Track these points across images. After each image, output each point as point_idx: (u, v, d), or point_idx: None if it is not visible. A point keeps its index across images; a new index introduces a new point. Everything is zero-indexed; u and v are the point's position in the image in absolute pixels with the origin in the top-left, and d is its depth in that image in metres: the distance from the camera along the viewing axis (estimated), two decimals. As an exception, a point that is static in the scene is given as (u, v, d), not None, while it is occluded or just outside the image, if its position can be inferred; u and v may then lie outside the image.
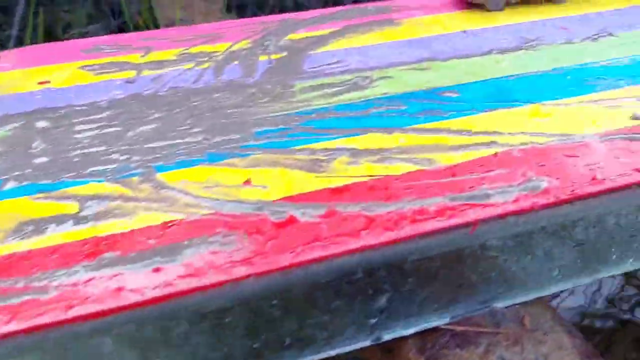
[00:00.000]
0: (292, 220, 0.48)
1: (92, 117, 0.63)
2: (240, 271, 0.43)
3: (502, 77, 0.71)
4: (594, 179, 0.52)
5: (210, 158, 0.56)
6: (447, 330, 0.53)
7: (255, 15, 1.77)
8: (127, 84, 0.70)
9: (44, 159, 0.56)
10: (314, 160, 0.55)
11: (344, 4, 1.79)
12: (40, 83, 0.71)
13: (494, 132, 0.60)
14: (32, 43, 1.41)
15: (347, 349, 0.50)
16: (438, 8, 0.91)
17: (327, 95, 0.67)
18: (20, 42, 1.45)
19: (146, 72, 0.73)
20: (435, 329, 0.52)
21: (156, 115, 0.63)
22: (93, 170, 0.54)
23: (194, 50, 0.78)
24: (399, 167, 0.54)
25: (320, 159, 0.55)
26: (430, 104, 0.65)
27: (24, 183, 0.53)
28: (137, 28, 1.53)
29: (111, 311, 0.41)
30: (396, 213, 0.48)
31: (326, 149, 0.57)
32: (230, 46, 0.79)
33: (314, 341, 0.48)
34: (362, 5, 0.93)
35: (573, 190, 0.51)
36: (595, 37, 0.81)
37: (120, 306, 0.41)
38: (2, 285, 0.42)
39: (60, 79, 0.72)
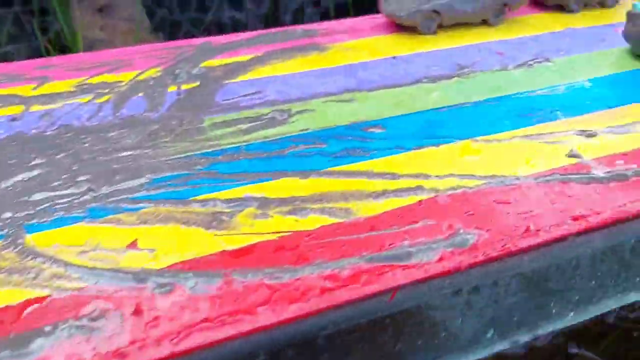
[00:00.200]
0: (179, 293, 0.40)
1: (-39, 163, 0.54)
2: (110, 364, 0.35)
3: (432, 110, 0.65)
4: (527, 230, 0.47)
5: (93, 214, 0.48)
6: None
7: (189, 34, 1.69)
8: (11, 122, 0.62)
9: None
10: (215, 214, 0.48)
11: (284, 24, 1.73)
12: None
13: (421, 175, 0.54)
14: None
15: None
16: (367, 31, 0.85)
17: (240, 133, 0.60)
18: None
19: (36, 107, 0.64)
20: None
21: (38, 161, 0.55)
22: (-51, 232, 0.46)
23: (94, 80, 0.70)
24: (312, 220, 0.48)
25: (222, 212, 0.48)
26: (352, 142, 0.59)
27: None
28: (62, 50, 1.43)
29: None
30: (304, 281, 0.42)
31: (231, 200, 0.50)
32: (137, 75, 0.72)
33: None
34: (288, 28, 0.86)
35: (504, 245, 0.45)
36: (531, 63, 0.77)
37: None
38: None
39: None
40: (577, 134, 0.61)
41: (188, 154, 0.56)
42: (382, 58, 0.78)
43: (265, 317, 0.39)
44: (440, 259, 0.44)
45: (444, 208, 0.49)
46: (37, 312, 0.39)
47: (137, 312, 0.39)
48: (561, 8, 0.92)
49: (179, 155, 0.56)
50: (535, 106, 0.66)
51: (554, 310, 0.51)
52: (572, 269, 0.49)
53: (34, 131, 0.60)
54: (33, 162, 0.55)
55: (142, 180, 0.52)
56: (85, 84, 0.69)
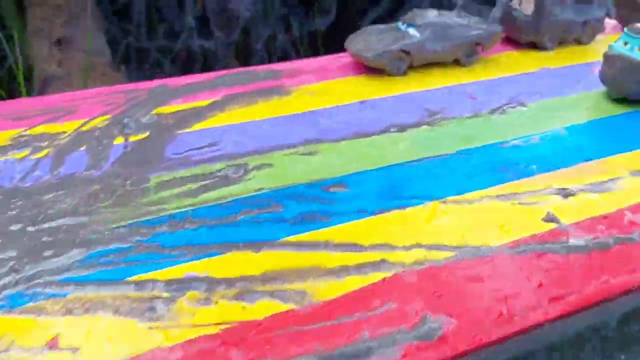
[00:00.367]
0: (100, 409, 0.35)
1: None
2: None
3: (398, 165, 0.61)
4: (500, 316, 0.42)
5: (12, 302, 0.42)
6: None
7: (157, 64, 1.63)
8: None
9: None
10: (152, 299, 0.43)
11: (255, 53, 1.69)
12: None
13: (385, 246, 0.49)
14: None
15: None
16: (334, 72, 0.81)
17: (189, 194, 0.55)
18: None
19: (-36, 165, 0.58)
20: None
21: (-43, 233, 0.49)
22: None
23: (34, 131, 0.64)
24: (261, 307, 0.42)
25: (160, 298, 0.43)
26: (312, 204, 0.54)
27: None
28: (10, 93, 1.35)
29: None
30: (247, 387, 0.36)
31: (171, 281, 0.44)
32: (82, 125, 0.66)
33: None
34: (251, 69, 0.82)
35: (475, 336, 0.40)
36: (505, 107, 0.73)
37: None
38: None
39: None
40: (554, 193, 0.57)
41: (129, 221, 0.51)
42: (348, 103, 0.73)
43: None
44: (404, 355, 0.39)
45: (409, 288, 0.45)
46: None
47: None
48: (535, 46, 0.89)
49: (118, 224, 0.51)
50: (509, 159, 0.62)
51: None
52: (550, 355, 0.44)
53: (-42, 194, 0.54)
54: (-48, 234, 0.49)
55: (74, 256, 0.47)
56: (24, 136, 0.63)
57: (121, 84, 0.77)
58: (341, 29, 1.87)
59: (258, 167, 0.60)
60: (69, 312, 0.41)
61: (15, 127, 0.65)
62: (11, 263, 0.46)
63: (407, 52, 0.79)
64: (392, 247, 0.49)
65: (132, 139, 0.64)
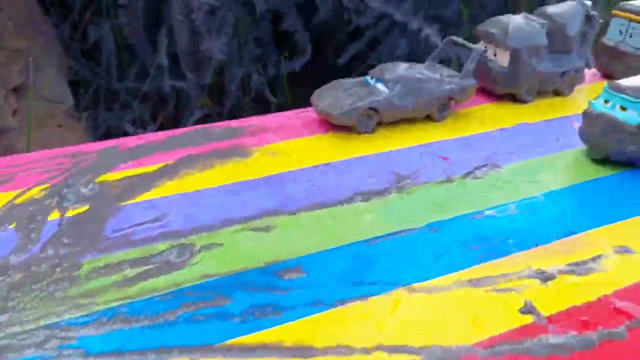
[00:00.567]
0: None
1: None
2: None
3: (363, 241, 0.55)
4: None
5: None
6: None
7: (127, 105, 1.58)
8: None
9: None
10: None
11: (229, 94, 1.64)
12: None
13: (342, 348, 0.43)
14: None
15: None
16: (299, 129, 0.76)
17: (124, 283, 0.49)
18: None
19: None
20: None
21: None
22: None
23: (-39, 205, 0.58)
24: None
25: None
26: (263, 296, 0.48)
27: None
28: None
29: None
30: None
31: (89, 403, 0.38)
32: (17, 196, 0.60)
33: None
34: (209, 126, 0.76)
35: None
36: (479, 170, 0.68)
37: None
38: None
39: None
40: (532, 276, 0.51)
41: (50, 321, 0.45)
42: (312, 166, 0.68)
43: None
44: None
45: (366, 406, 0.39)
46: None
47: None
48: (512, 98, 0.84)
49: (37, 325, 0.44)
50: (483, 234, 0.57)
51: None
52: None
53: None
54: None
55: (-20, 370, 0.40)
56: (-52, 212, 0.57)
57: (70, 146, 0.71)
58: (317, 68, 1.83)
59: (206, 247, 0.54)
60: None
61: (-60, 200, 0.59)
62: None
63: (375, 110, 0.74)
64: (350, 350, 0.43)
65: (69, 213, 0.58)
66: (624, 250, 0.55)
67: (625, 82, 0.68)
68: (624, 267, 0.53)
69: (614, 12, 0.91)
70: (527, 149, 0.72)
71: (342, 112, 0.73)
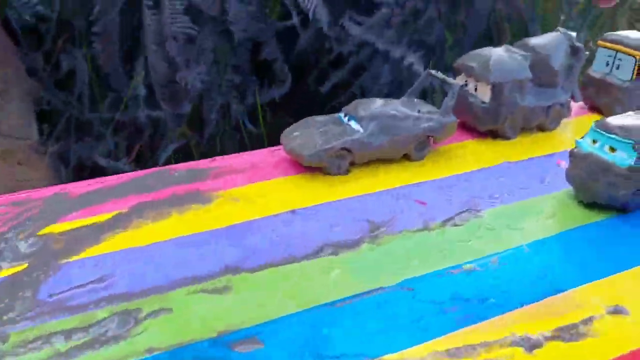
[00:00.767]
0: None
1: None
2: None
3: (328, 304, 0.50)
4: None
5: None
6: None
7: (100, 136, 1.53)
8: None
9: None
10: None
11: (209, 123, 1.59)
12: None
13: None
14: None
15: None
16: (268, 170, 0.71)
17: (56, 359, 0.43)
18: None
19: None
20: None
21: None
22: None
23: None
24: None
25: None
26: (211, 373, 0.43)
27: None
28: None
29: None
30: None
31: None
32: (-53, 253, 0.54)
33: None
34: (169, 168, 0.71)
35: None
36: (459, 216, 0.63)
37: None
38: None
39: None
40: (516, 343, 0.46)
41: (-38, 412, 0.39)
42: (279, 214, 0.63)
43: None
44: None
45: None
46: None
47: None
48: (495, 134, 0.80)
49: (-54, 417, 0.38)
50: (462, 292, 0.52)
51: None
52: None
53: None
54: None
55: None
56: None
57: (23, 191, 0.66)
58: (299, 96, 1.79)
59: (153, 313, 0.48)
60: None
61: None
62: None
63: (348, 150, 0.69)
64: None
65: (3, 273, 0.52)
66: (617, 310, 0.50)
67: (614, 120, 0.63)
68: (618, 332, 0.48)
69: (600, 42, 0.87)
70: (510, 192, 0.68)
71: (312, 154, 0.68)
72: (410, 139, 0.72)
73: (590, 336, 0.47)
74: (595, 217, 0.63)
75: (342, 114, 0.74)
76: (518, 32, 1.81)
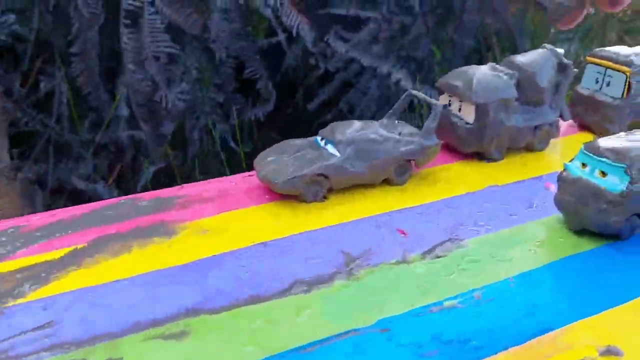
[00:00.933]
0: None
1: None
2: None
3: (297, 349, 0.46)
4: None
5: None
6: None
7: (80, 158, 1.48)
8: None
9: None
10: None
11: (190, 143, 1.55)
12: None
13: None
14: None
15: None
16: (238, 198, 0.67)
17: (-13, 422, 0.39)
18: None
19: None
20: None
21: None
22: None
23: None
24: None
25: None
26: None
27: None
28: None
29: None
30: None
31: None
32: None
33: None
34: (135, 197, 0.67)
35: None
36: (440, 247, 0.59)
37: None
38: None
39: None
40: (500, 394, 0.42)
41: None
42: (249, 246, 0.58)
43: None
44: None
45: None
46: None
47: None
48: (480, 156, 0.76)
49: None
50: (442, 334, 0.47)
51: None
52: None
53: None
54: None
55: None
56: None
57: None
58: (286, 113, 1.76)
59: (103, 364, 0.44)
60: None
61: None
62: None
63: (325, 176, 0.65)
64: None
65: (-59, 320, 0.48)
66: (610, 351, 0.46)
67: (604, 143, 0.60)
68: (612, 378, 0.44)
69: (589, 58, 0.84)
70: (496, 218, 0.64)
71: (286, 181, 0.64)
72: (390, 163, 0.68)
73: (583, 383, 0.43)
74: (586, 245, 0.59)
75: (319, 138, 0.70)
76: (508, 46, 1.79)
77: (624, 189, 0.57)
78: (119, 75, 1.41)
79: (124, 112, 1.48)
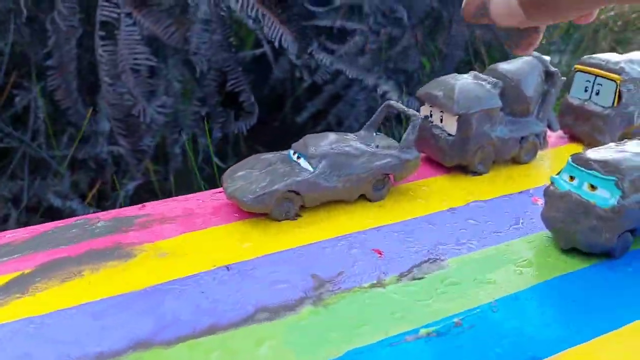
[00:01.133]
0: None
1: None
2: None
3: (253, 388, 0.41)
4: None
5: None
6: None
7: (57, 174, 1.44)
8: None
9: None
10: None
11: (173, 157, 1.51)
12: None
13: None
14: None
15: None
16: (205, 218, 0.62)
17: None
18: None
19: None
20: None
21: None
22: None
23: None
24: None
25: None
26: None
27: None
28: None
29: None
30: None
31: None
32: None
33: None
34: (93, 217, 0.62)
35: None
36: (418, 268, 0.54)
37: None
38: None
39: None
40: None
41: None
42: (210, 270, 0.54)
43: None
44: None
45: None
46: None
47: None
48: (464, 169, 0.72)
49: None
50: (418, 368, 0.43)
51: None
52: None
53: None
54: None
55: None
56: None
57: None
58: (271, 127, 1.72)
59: (34, 407, 0.39)
60: None
61: None
62: None
63: (296, 192, 0.61)
64: None
65: None
66: (603, 385, 0.42)
67: (592, 154, 0.56)
68: (605, 416, 0.39)
69: (578, 66, 0.80)
70: (479, 236, 0.59)
71: (255, 198, 0.59)
72: (366, 178, 0.63)
73: (572, 423, 0.39)
74: (577, 265, 0.55)
75: (291, 152, 0.65)
76: (498, 58, 1.76)
77: (615, 203, 0.53)
78: (99, 90, 1.37)
79: (102, 127, 1.43)
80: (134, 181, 1.42)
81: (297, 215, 0.62)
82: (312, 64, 1.49)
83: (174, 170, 1.50)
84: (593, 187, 0.54)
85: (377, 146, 0.66)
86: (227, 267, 0.54)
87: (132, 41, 1.25)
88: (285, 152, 0.67)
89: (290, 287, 0.51)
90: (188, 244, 0.58)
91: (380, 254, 0.56)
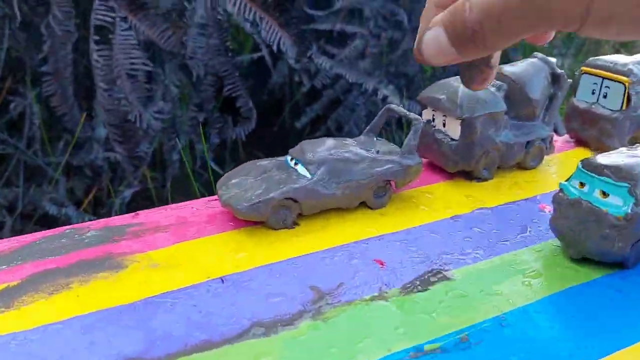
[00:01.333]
0: None
1: None
2: None
3: (248, 410, 0.39)
4: None
5: None
6: None
7: (52, 180, 1.41)
8: None
9: None
10: None
11: (170, 164, 1.48)
12: None
13: None
14: None
15: None
16: (199, 227, 0.60)
17: None
18: None
19: None
20: None
21: None
22: None
23: None
24: None
25: None
26: None
27: None
28: None
29: None
30: None
31: None
32: None
33: None
34: (84, 226, 0.60)
35: None
36: (422, 280, 0.52)
37: None
38: None
39: None
40: None
41: None
42: (205, 282, 0.51)
43: None
44: None
45: None
46: None
47: None
48: (468, 175, 0.69)
49: None
50: (422, 387, 0.40)
51: None
52: None
53: None
54: None
55: None
56: None
57: None
58: (270, 132, 1.69)
59: None
60: None
61: None
62: None
63: (294, 200, 0.58)
64: None
65: None
66: (620, 405, 0.39)
67: (604, 159, 0.53)
68: None
69: (584, 69, 0.78)
70: (486, 246, 0.57)
71: (250, 206, 0.57)
72: (367, 185, 0.61)
73: None
74: (588, 275, 0.53)
75: (288, 157, 0.63)
76: (501, 61, 1.74)
77: (629, 211, 0.50)
78: (95, 96, 1.35)
79: (102, 133, 1.41)
80: (130, 188, 1.40)
81: (295, 224, 0.60)
82: (312, 68, 1.47)
83: (171, 177, 1.47)
84: (605, 194, 0.52)
85: (378, 152, 0.63)
86: (222, 279, 0.52)
87: (128, 46, 1.23)
88: (281, 158, 0.64)
89: (287, 300, 0.49)
90: (181, 254, 0.55)
91: (382, 264, 0.54)
